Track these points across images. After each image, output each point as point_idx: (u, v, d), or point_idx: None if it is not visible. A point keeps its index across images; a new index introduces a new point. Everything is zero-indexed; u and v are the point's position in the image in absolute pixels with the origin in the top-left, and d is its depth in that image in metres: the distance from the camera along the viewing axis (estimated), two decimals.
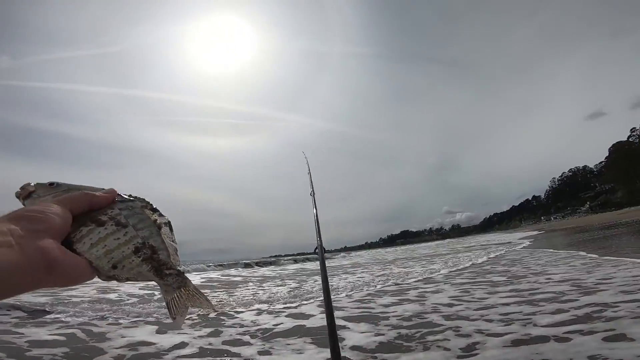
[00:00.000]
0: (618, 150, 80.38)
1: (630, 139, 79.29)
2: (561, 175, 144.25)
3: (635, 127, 78.37)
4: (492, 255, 11.32)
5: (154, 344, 3.11)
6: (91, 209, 0.42)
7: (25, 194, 0.42)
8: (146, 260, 0.41)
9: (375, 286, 6.40)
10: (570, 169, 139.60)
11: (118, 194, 0.44)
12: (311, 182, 2.28)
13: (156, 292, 6.24)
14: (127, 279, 0.41)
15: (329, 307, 1.34)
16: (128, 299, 5.94)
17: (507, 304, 3.73)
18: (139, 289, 6.80)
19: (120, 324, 3.99)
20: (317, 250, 1.76)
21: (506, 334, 2.71)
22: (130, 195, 0.46)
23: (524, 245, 15.65)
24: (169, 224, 0.46)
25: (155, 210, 0.46)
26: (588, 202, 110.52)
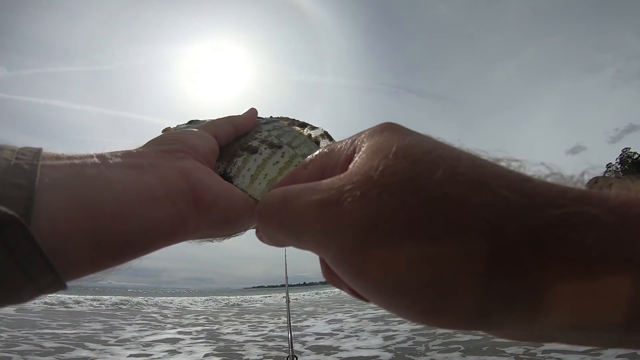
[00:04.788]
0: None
1: (606, 175, 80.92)
2: None
3: (611, 163, 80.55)
4: None
5: None
6: (237, 134, 0.35)
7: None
8: None
9: None
10: None
11: (259, 117, 0.37)
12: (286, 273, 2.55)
13: None
14: None
15: None
16: None
17: None
18: None
19: None
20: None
21: None
22: (271, 116, 0.39)
23: None
24: (326, 135, 0.36)
25: (304, 124, 0.38)
26: None
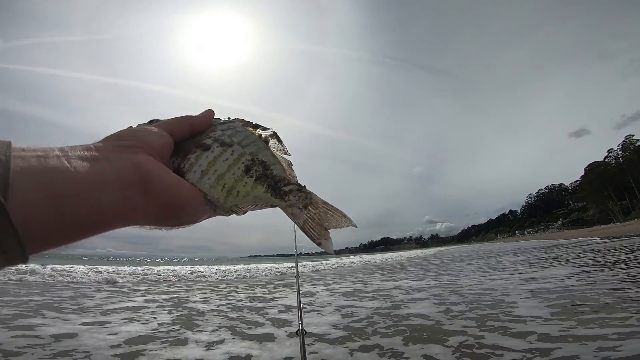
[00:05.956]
0: (593, 170, 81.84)
1: (606, 160, 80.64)
2: (537, 192, 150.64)
3: (612, 148, 79.69)
4: None
5: None
6: (192, 132, 0.39)
7: None
8: (260, 179, 0.37)
9: None
10: (547, 186, 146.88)
11: (216, 117, 0.42)
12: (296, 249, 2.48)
13: None
14: (246, 209, 0.37)
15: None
16: None
17: None
18: None
19: None
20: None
21: None
22: (228, 118, 0.43)
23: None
24: (275, 135, 0.42)
25: (257, 126, 0.43)
26: (561, 219, 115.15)
